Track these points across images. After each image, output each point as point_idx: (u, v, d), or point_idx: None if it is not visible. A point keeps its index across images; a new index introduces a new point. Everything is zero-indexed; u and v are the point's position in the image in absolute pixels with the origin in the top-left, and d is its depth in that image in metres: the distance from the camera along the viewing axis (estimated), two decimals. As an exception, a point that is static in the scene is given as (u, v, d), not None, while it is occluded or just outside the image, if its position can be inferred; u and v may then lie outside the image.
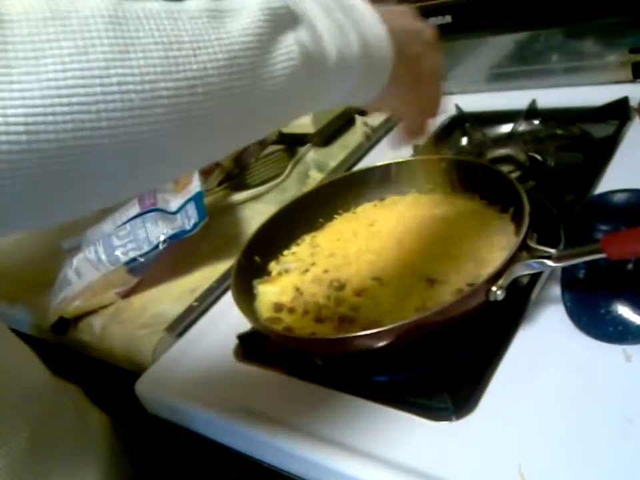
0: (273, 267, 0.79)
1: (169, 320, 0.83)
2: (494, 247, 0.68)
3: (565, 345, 0.59)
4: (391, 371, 0.65)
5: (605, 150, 0.83)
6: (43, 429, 0.63)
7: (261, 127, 0.46)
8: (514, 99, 1.01)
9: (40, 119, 0.30)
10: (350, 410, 0.62)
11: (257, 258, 0.78)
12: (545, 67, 1.04)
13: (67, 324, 0.90)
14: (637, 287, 0.59)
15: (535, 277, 0.67)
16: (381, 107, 0.60)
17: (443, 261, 0.69)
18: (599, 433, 0.51)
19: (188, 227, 0.88)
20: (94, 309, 0.91)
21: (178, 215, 0.91)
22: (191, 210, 0.90)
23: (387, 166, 0.85)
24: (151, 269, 0.90)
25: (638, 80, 0.95)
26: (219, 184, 1.13)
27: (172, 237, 0.88)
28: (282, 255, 0.80)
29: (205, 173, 1.10)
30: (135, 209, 0.93)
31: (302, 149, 1.18)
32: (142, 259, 0.88)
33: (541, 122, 0.96)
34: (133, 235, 0.89)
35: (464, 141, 1.02)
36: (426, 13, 1.03)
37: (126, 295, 0.92)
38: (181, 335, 0.81)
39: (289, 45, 0.41)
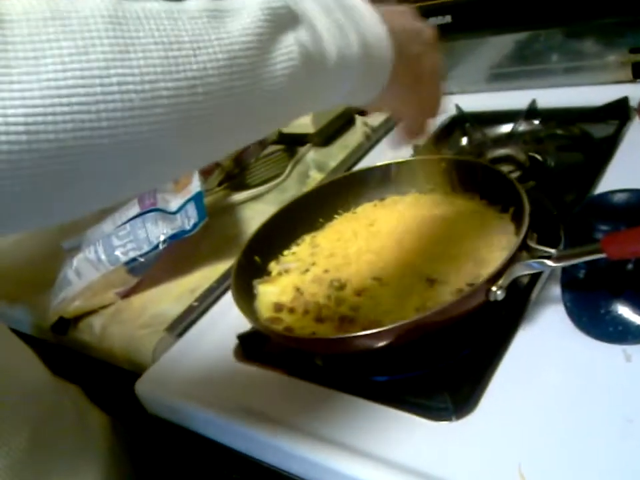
0: (273, 266, 0.79)
1: (169, 320, 0.83)
2: (494, 247, 0.68)
3: (565, 345, 0.59)
4: (391, 371, 0.65)
5: (605, 150, 0.83)
6: (42, 428, 0.63)
7: (261, 127, 0.45)
8: (514, 98, 1.01)
9: (40, 118, 0.30)
10: (350, 410, 0.62)
11: (257, 258, 0.78)
12: (545, 67, 1.04)
13: (67, 324, 0.90)
14: (637, 287, 0.59)
15: (534, 277, 0.67)
16: (381, 107, 0.60)
17: (443, 260, 0.69)
18: (599, 432, 0.51)
19: (188, 227, 0.88)
20: (94, 309, 0.91)
21: (178, 215, 0.91)
22: (191, 210, 0.90)
23: (387, 166, 0.85)
24: (150, 269, 0.90)
25: (638, 80, 0.95)
26: (219, 184, 1.13)
27: (172, 237, 0.88)
28: (282, 254, 0.80)
29: (205, 173, 1.10)
30: (134, 209, 0.93)
31: (302, 149, 1.18)
32: (142, 259, 0.88)
33: (541, 122, 0.96)
34: (132, 235, 0.89)
35: (464, 140, 1.02)
36: (426, 12, 1.03)
37: (126, 295, 0.92)
38: (181, 335, 0.81)
39: (289, 45, 0.41)
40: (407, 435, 0.57)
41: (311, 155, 1.18)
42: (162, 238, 0.88)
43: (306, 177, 1.11)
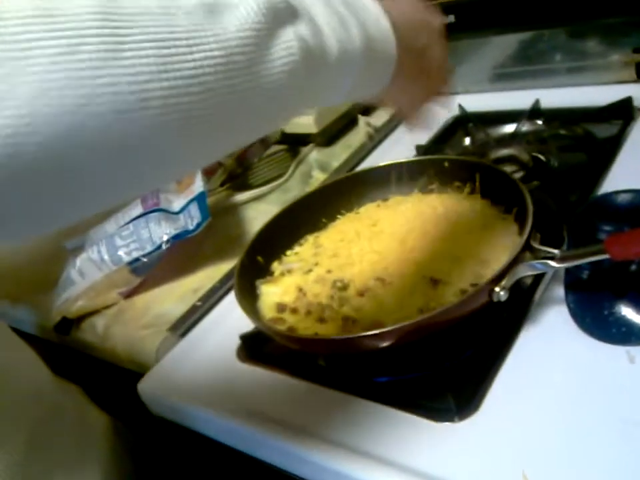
0: (276, 267, 0.78)
1: (172, 320, 0.83)
2: (497, 248, 0.68)
3: (568, 346, 0.59)
4: (394, 372, 0.65)
5: (608, 150, 0.83)
6: (43, 428, 0.63)
7: (261, 125, 0.44)
8: (517, 98, 1.01)
9: (27, 120, 0.29)
10: (352, 411, 0.62)
11: (259, 258, 0.77)
12: (548, 67, 1.04)
13: (69, 324, 0.90)
14: (640, 288, 0.59)
15: (538, 278, 0.67)
16: (384, 101, 0.58)
17: (446, 261, 0.68)
18: (602, 434, 0.51)
19: (191, 227, 0.88)
20: (97, 309, 0.91)
21: (181, 215, 0.91)
22: (194, 210, 0.90)
23: (390, 166, 0.84)
24: (154, 269, 0.90)
25: (642, 80, 0.95)
26: (222, 184, 1.13)
27: (175, 237, 0.88)
28: (285, 255, 0.80)
29: (208, 173, 1.10)
30: (137, 209, 0.93)
31: (305, 149, 1.18)
32: (145, 259, 0.88)
33: (544, 122, 0.96)
34: (136, 235, 0.89)
35: (467, 141, 1.02)
36: (429, 12, 1.03)
37: (129, 295, 0.92)
38: (183, 335, 0.81)
39: (289, 40, 0.39)
40: (409, 436, 0.57)
41: (313, 155, 1.18)
42: (165, 238, 0.88)
43: (309, 177, 1.10)
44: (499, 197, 0.73)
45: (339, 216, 0.84)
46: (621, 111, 0.89)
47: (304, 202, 0.83)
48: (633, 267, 0.61)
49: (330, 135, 1.18)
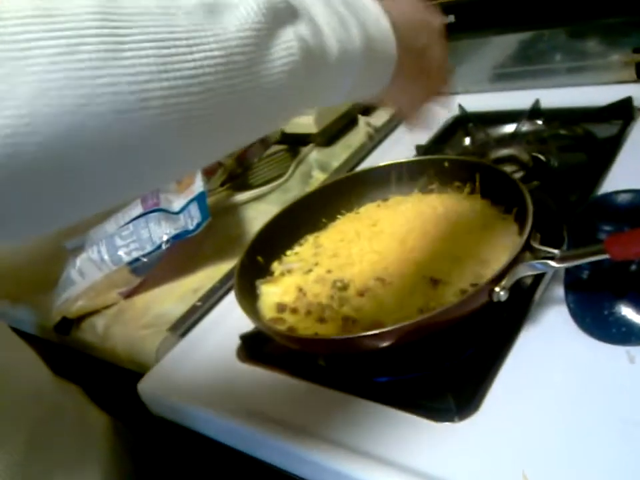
0: (276, 267, 0.78)
1: (172, 320, 0.83)
2: (497, 248, 0.68)
3: (568, 346, 0.59)
4: (394, 372, 0.65)
5: (608, 150, 0.83)
6: (43, 429, 0.63)
7: (261, 125, 0.44)
8: (517, 98, 1.01)
9: (27, 120, 0.29)
10: (352, 411, 0.62)
11: (259, 258, 0.77)
12: (548, 67, 1.04)
13: (69, 324, 0.90)
14: (640, 288, 0.59)
15: (538, 278, 0.67)
16: (384, 100, 0.58)
17: (446, 261, 0.68)
18: (602, 434, 0.51)
19: (191, 227, 0.88)
20: (97, 309, 0.91)
21: (181, 215, 0.91)
22: (194, 210, 0.90)
23: (390, 166, 0.84)
24: (153, 269, 0.90)
25: (642, 80, 0.95)
26: (222, 184, 1.13)
27: (175, 237, 0.88)
28: (285, 255, 0.80)
29: (208, 173, 1.10)
30: (137, 209, 0.93)
31: (305, 149, 1.18)
32: (145, 259, 0.88)
33: (544, 122, 0.96)
34: (136, 235, 0.89)
35: (467, 141, 1.02)
36: (429, 12, 1.03)
37: (129, 295, 0.92)
38: (183, 335, 0.81)
39: (288, 40, 0.39)
40: (409, 436, 0.57)
41: (313, 155, 1.18)
42: (165, 238, 0.88)
43: (309, 177, 1.10)
44: (499, 197, 0.73)
45: (339, 216, 0.84)
46: (621, 111, 0.89)
47: (304, 202, 0.83)
48: (633, 267, 0.61)
49: (330, 135, 1.18)
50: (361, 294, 0.69)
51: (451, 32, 1.02)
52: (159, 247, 0.88)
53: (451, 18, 1.03)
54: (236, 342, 0.75)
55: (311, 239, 0.82)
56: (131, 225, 0.91)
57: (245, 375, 0.71)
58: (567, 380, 0.56)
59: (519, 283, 0.62)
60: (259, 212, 1.03)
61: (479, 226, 0.72)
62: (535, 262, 0.61)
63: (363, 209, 0.84)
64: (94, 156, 0.32)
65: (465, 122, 1.05)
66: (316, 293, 0.71)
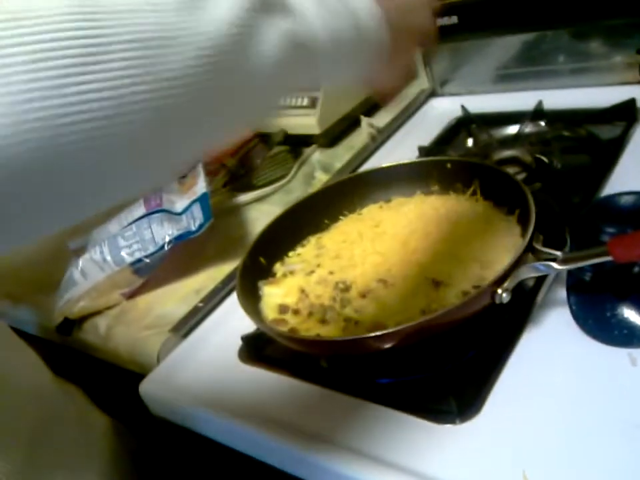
0: (278, 268, 0.78)
1: (174, 321, 0.83)
2: (500, 249, 0.67)
3: (570, 348, 0.59)
4: (396, 374, 0.64)
5: (611, 152, 0.83)
6: (44, 430, 0.63)
7: (249, 119, 0.44)
8: (520, 100, 1.01)
9: (11, 130, 0.28)
10: (354, 412, 0.62)
11: (262, 259, 0.77)
12: (551, 68, 1.04)
13: (71, 324, 0.90)
14: (643, 290, 0.59)
15: (540, 280, 0.67)
16: (365, 82, 0.56)
17: (448, 262, 0.68)
18: (604, 437, 0.51)
19: (193, 228, 0.88)
20: (99, 310, 0.91)
21: (183, 216, 0.91)
22: (197, 211, 0.90)
23: (393, 167, 0.84)
24: (156, 270, 0.90)
25: (645, 81, 0.95)
26: (224, 185, 1.13)
27: (177, 238, 0.88)
28: (287, 256, 0.80)
29: (211, 174, 1.10)
30: (140, 210, 0.93)
31: (307, 150, 1.18)
32: (147, 260, 0.88)
33: (547, 123, 0.96)
34: (138, 236, 0.89)
35: (470, 142, 1.02)
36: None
37: (131, 295, 0.92)
38: (185, 335, 0.81)
39: (277, 34, 0.38)
40: (410, 438, 0.57)
41: (316, 156, 1.17)
42: (167, 239, 0.88)
43: (311, 178, 1.10)
44: (502, 198, 0.73)
45: (341, 217, 0.84)
46: (625, 113, 0.89)
47: (306, 203, 0.83)
48: (636, 269, 0.61)
49: (332, 136, 1.18)
50: (363, 295, 0.69)
51: (454, 33, 1.03)
52: (162, 247, 0.88)
53: (454, 19, 1.03)
54: (238, 343, 0.75)
55: (313, 240, 0.82)
56: (133, 226, 0.91)
57: (247, 376, 0.71)
58: (568, 382, 0.56)
59: (521, 285, 0.61)
60: (261, 213, 1.03)
61: (481, 227, 0.72)
62: (537, 264, 0.60)
63: (365, 210, 0.84)
64: (80, 160, 0.31)
65: (467, 123, 1.05)
66: (318, 294, 0.71)
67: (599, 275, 0.62)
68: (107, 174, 0.33)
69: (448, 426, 0.56)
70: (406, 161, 0.85)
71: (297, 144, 1.19)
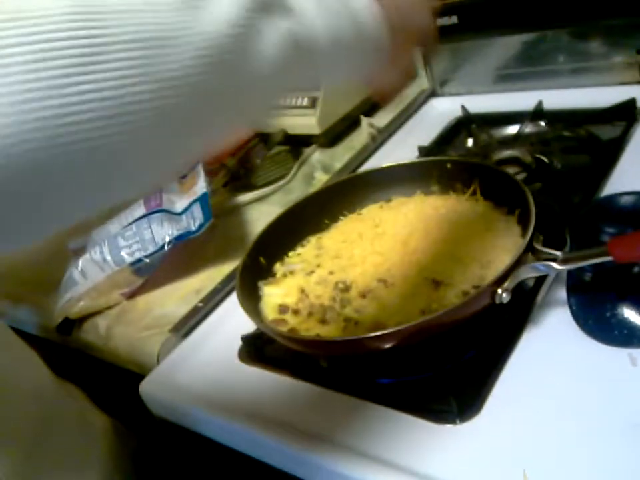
0: (278, 268, 0.78)
1: (174, 321, 0.83)
2: (499, 249, 0.67)
3: (570, 348, 0.59)
4: (396, 374, 0.64)
5: (611, 152, 0.83)
6: (43, 430, 0.63)
7: (249, 118, 0.44)
8: (520, 100, 1.01)
9: (10, 130, 0.27)
10: (354, 412, 0.62)
11: (262, 259, 0.77)
12: (551, 68, 1.04)
13: (71, 324, 0.90)
14: (643, 290, 0.59)
15: (540, 280, 0.67)
16: (365, 81, 0.56)
17: (448, 262, 0.68)
18: (604, 437, 0.51)
19: (193, 228, 0.88)
20: (99, 310, 0.91)
21: (183, 216, 0.91)
22: (197, 211, 0.90)
23: (393, 167, 0.84)
24: (156, 270, 0.90)
25: (645, 81, 0.95)
26: (225, 185, 1.13)
27: (177, 238, 0.88)
28: (287, 256, 0.80)
29: (211, 174, 1.10)
30: (140, 210, 0.93)
31: (307, 150, 1.18)
32: (147, 260, 0.88)
33: (547, 123, 0.96)
34: (138, 236, 0.89)
35: (470, 142, 1.02)
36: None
37: (131, 295, 0.92)
38: (185, 335, 0.81)
39: (277, 34, 0.38)
40: (410, 438, 0.57)
41: (316, 156, 1.18)
42: (167, 239, 0.88)
43: (311, 178, 1.10)
44: (502, 198, 0.73)
45: (341, 217, 0.84)
46: (625, 113, 0.89)
47: (306, 203, 0.83)
48: (636, 269, 0.61)
49: (333, 136, 1.18)
50: (363, 295, 0.69)
51: (454, 33, 1.03)
52: (162, 247, 0.88)
53: (454, 19, 1.03)
54: (238, 343, 0.75)
55: (313, 240, 0.82)
56: (133, 226, 0.91)
57: (247, 376, 0.71)
58: (568, 382, 0.56)
59: (521, 285, 0.61)
60: (261, 213, 1.03)
61: (481, 227, 0.72)
62: (537, 264, 0.60)
63: (365, 210, 0.84)
64: (80, 161, 0.31)
65: (467, 123, 1.05)
66: (318, 294, 0.71)
67: (599, 275, 0.62)
68: (107, 174, 0.33)
69: (448, 426, 0.56)
70: (406, 161, 0.85)
71: (297, 144, 1.19)
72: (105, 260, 0.89)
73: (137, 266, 0.89)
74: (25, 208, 0.31)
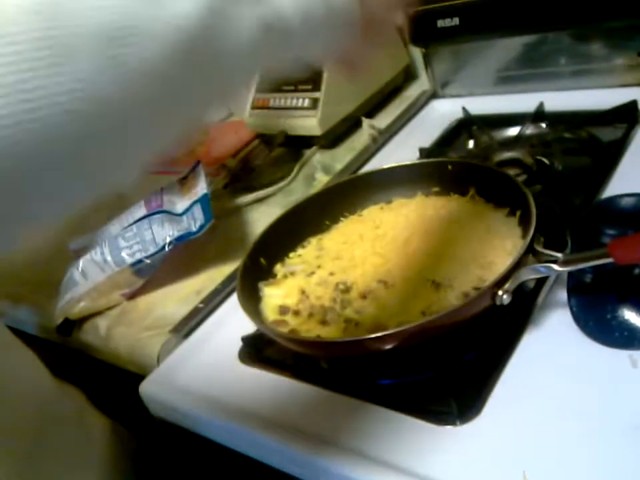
0: (279, 269, 0.78)
1: (175, 321, 0.83)
2: (500, 251, 0.67)
3: (571, 350, 0.59)
4: (396, 375, 0.64)
5: (612, 154, 0.83)
6: (42, 431, 0.63)
7: (220, 100, 0.44)
8: (521, 101, 1.01)
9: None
10: (354, 413, 0.62)
11: (262, 260, 0.77)
12: (552, 70, 1.04)
13: (72, 325, 0.90)
14: (644, 292, 0.59)
15: (541, 281, 0.67)
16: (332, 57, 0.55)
17: (449, 264, 0.68)
18: (604, 439, 0.51)
19: (194, 229, 0.88)
20: (99, 311, 0.91)
21: (184, 217, 0.91)
22: (197, 212, 0.90)
23: (394, 168, 0.84)
24: (156, 271, 0.90)
25: (646, 83, 0.95)
26: (225, 186, 1.13)
27: (178, 239, 0.88)
28: (288, 257, 0.80)
29: (211, 175, 1.10)
30: (141, 211, 0.93)
31: (308, 151, 1.18)
32: (148, 261, 0.88)
33: (548, 125, 0.96)
34: (139, 237, 0.89)
35: (471, 143, 1.02)
36: (433, 15, 1.03)
37: (132, 296, 0.92)
38: (186, 336, 0.81)
39: (249, 20, 0.37)
40: (410, 439, 0.57)
41: (317, 157, 1.17)
42: (168, 239, 0.88)
43: (312, 179, 1.10)
44: (503, 200, 0.73)
45: (342, 218, 0.84)
46: (626, 115, 0.89)
47: (307, 204, 0.83)
48: (637, 271, 0.61)
49: (333, 137, 1.17)
50: (363, 296, 0.69)
51: (456, 35, 1.03)
52: (162, 248, 0.88)
53: (456, 21, 1.03)
54: (238, 344, 0.75)
55: (314, 241, 0.82)
56: (134, 227, 0.91)
57: (247, 377, 0.71)
58: (568, 383, 0.56)
59: (521, 286, 0.61)
60: (262, 214, 1.03)
61: (482, 229, 0.72)
62: (538, 265, 0.60)
63: (366, 212, 0.84)
64: (50, 160, 0.30)
65: (468, 125, 1.05)
66: (318, 295, 0.71)
67: (600, 276, 0.62)
68: (76, 171, 0.32)
69: (448, 427, 0.56)
70: (407, 162, 0.85)
71: (297, 145, 1.19)
72: (105, 260, 0.89)
73: (138, 267, 0.89)
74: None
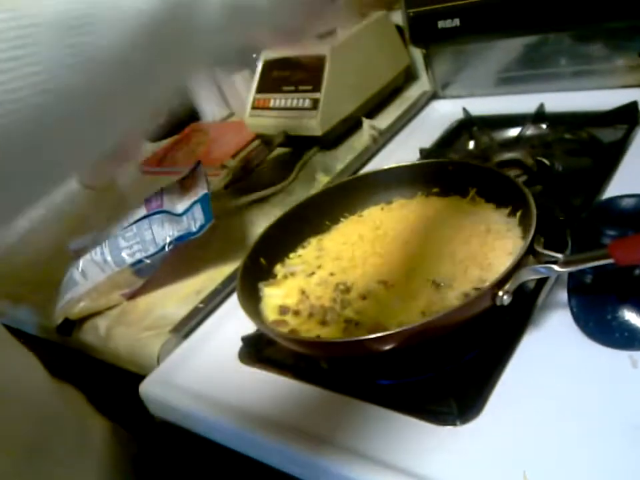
0: (279, 269, 0.78)
1: (174, 322, 0.83)
2: (500, 251, 0.67)
3: (571, 350, 0.59)
4: (396, 375, 0.64)
5: (613, 154, 0.83)
6: (41, 432, 0.63)
7: (188, 78, 0.43)
8: (522, 102, 1.01)
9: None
10: (355, 413, 0.62)
11: (262, 260, 0.77)
12: (553, 71, 1.04)
13: (72, 325, 0.90)
14: (644, 293, 0.59)
15: (541, 282, 0.67)
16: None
17: (449, 264, 0.68)
18: (604, 439, 0.51)
19: (194, 229, 0.88)
20: (99, 311, 0.91)
21: (184, 217, 0.91)
22: (197, 212, 0.90)
23: (394, 169, 0.84)
24: (156, 271, 0.90)
25: (647, 84, 0.95)
26: (226, 186, 1.13)
27: (178, 239, 0.88)
28: (288, 257, 0.80)
29: (212, 175, 1.10)
30: (141, 211, 0.93)
31: (308, 152, 1.18)
32: (148, 261, 0.88)
33: (548, 126, 0.96)
34: (139, 237, 0.89)
35: (471, 144, 1.02)
36: (434, 16, 1.03)
37: (131, 296, 0.92)
38: (186, 336, 0.81)
39: (215, 1, 0.37)
40: (411, 439, 0.57)
41: (317, 157, 1.17)
42: (168, 240, 0.88)
43: (312, 180, 1.10)
44: (503, 200, 0.73)
45: (342, 219, 0.84)
46: (626, 116, 0.89)
47: (307, 204, 0.83)
48: (637, 272, 0.61)
49: (334, 138, 1.17)
50: (363, 297, 0.69)
51: (456, 36, 1.03)
52: (162, 248, 0.87)
53: (456, 22, 1.03)
54: (238, 344, 0.75)
55: (314, 241, 0.82)
56: (134, 227, 0.91)
57: (247, 377, 0.71)
58: (569, 384, 0.56)
59: (522, 287, 0.61)
60: (262, 214, 1.03)
61: (482, 229, 0.72)
62: (538, 266, 0.60)
63: (366, 212, 0.84)
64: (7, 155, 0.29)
65: (469, 125, 1.05)
66: (318, 295, 0.71)
67: (600, 277, 0.62)
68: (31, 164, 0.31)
69: (448, 427, 0.56)
70: (407, 162, 0.85)
71: (298, 146, 1.19)
72: (105, 260, 0.89)
73: (138, 267, 0.89)
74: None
